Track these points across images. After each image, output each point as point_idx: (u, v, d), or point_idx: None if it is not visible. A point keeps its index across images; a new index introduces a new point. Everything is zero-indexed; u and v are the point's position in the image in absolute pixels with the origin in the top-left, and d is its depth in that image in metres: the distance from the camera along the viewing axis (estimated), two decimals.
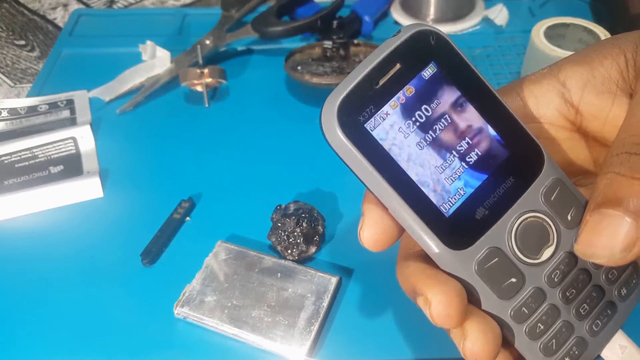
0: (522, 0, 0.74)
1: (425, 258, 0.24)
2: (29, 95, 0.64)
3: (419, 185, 0.22)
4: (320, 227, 0.47)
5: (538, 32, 0.58)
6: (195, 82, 0.61)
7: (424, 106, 0.22)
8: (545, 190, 0.24)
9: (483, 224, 0.23)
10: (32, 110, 0.62)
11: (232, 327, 0.42)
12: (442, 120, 0.22)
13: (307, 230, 0.46)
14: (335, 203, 0.51)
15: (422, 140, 0.22)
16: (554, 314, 0.24)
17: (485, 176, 0.23)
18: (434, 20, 0.72)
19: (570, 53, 0.31)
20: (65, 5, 0.84)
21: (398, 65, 0.22)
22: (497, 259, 0.23)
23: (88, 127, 0.59)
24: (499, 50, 0.67)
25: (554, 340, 0.24)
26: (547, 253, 0.24)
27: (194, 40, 0.67)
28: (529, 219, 0.23)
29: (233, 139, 0.59)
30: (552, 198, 0.24)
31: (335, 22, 0.65)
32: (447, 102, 0.23)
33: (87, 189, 0.53)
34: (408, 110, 0.22)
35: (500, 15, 0.70)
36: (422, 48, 0.22)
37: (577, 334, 0.24)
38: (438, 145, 0.22)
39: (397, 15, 0.72)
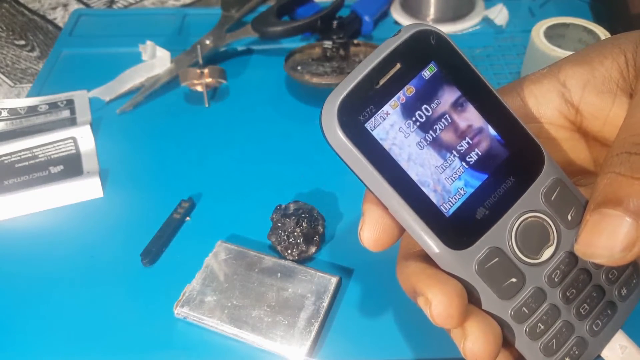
0: (522, 0, 0.74)
1: (426, 258, 0.24)
2: (29, 95, 0.64)
3: (419, 185, 0.22)
4: (320, 227, 0.47)
5: (538, 32, 0.58)
6: (195, 82, 0.61)
7: (424, 106, 0.22)
8: (546, 190, 0.24)
9: (483, 223, 0.23)
10: (32, 110, 0.62)
11: (232, 327, 0.42)
12: (443, 120, 0.22)
13: (307, 230, 0.46)
14: (335, 203, 0.51)
15: (422, 140, 0.22)
16: (554, 314, 0.24)
17: (485, 176, 0.23)
18: (434, 20, 0.72)
19: (570, 53, 0.31)
20: (65, 5, 0.84)
21: (398, 65, 0.22)
22: (497, 258, 0.23)
23: (88, 127, 0.59)
24: (499, 50, 0.67)
25: (554, 340, 0.24)
26: (548, 253, 0.24)
27: (194, 40, 0.67)
28: (529, 219, 0.23)
29: (233, 139, 0.59)
30: (553, 198, 0.24)
31: (335, 22, 0.65)
32: (448, 101, 0.23)
33: (87, 189, 0.53)
34: (408, 110, 0.22)
35: (500, 15, 0.70)
36: (423, 48, 0.22)
37: (578, 334, 0.24)
38: (438, 145, 0.22)
39: (397, 15, 0.72)
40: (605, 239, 0.21)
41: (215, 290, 0.44)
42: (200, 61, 0.65)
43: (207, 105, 0.62)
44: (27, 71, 0.73)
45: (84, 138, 0.58)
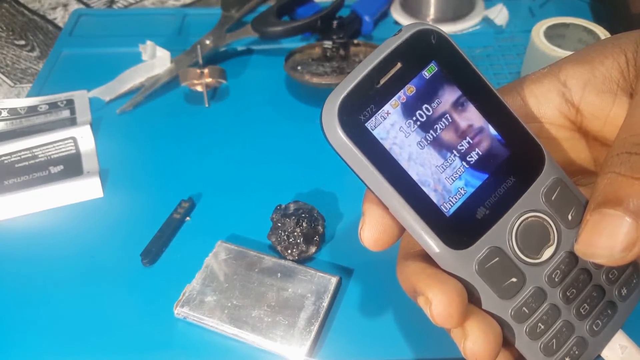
0: (522, 0, 0.74)
1: (426, 258, 0.24)
2: (29, 95, 0.64)
3: (419, 184, 0.22)
4: (320, 227, 0.47)
5: (538, 32, 0.58)
6: (195, 82, 0.61)
7: (425, 105, 0.22)
8: (546, 190, 0.24)
9: (484, 223, 0.23)
10: (32, 110, 0.62)
11: (232, 327, 0.42)
12: (443, 119, 0.22)
13: (307, 230, 0.46)
14: (335, 203, 0.51)
15: (422, 140, 0.22)
16: (555, 313, 0.24)
17: (486, 176, 0.23)
18: (434, 20, 0.72)
19: (570, 53, 0.31)
20: (65, 5, 0.84)
21: (399, 65, 0.22)
22: (497, 258, 0.23)
23: (88, 127, 0.59)
24: (499, 50, 0.67)
25: (554, 340, 0.24)
26: (548, 253, 0.24)
27: (194, 40, 0.67)
28: (529, 219, 0.23)
29: (233, 139, 0.59)
30: (553, 198, 0.24)
31: (335, 22, 0.65)
32: (448, 101, 0.23)
33: (87, 189, 0.53)
34: (409, 110, 0.22)
35: (500, 15, 0.70)
36: (423, 47, 0.22)
37: (578, 334, 0.24)
38: (439, 145, 0.22)
39: (397, 15, 0.72)
40: (605, 239, 0.21)
41: (215, 290, 0.44)
42: (200, 61, 0.65)
43: (207, 105, 0.62)
44: (27, 71, 0.73)
45: (84, 138, 0.58)
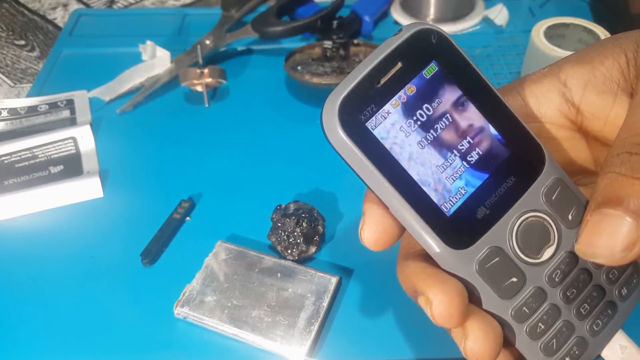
0: (522, 0, 0.74)
1: (426, 257, 0.24)
2: (29, 95, 0.64)
3: (420, 184, 0.22)
4: (320, 227, 0.47)
5: (538, 32, 0.58)
6: (195, 82, 0.61)
7: (425, 105, 0.22)
8: (546, 190, 0.24)
9: (484, 223, 0.23)
10: (32, 110, 0.62)
11: (232, 327, 0.42)
12: (443, 119, 0.22)
13: (307, 230, 0.46)
14: (335, 203, 0.51)
15: (423, 139, 0.22)
16: (555, 313, 0.24)
17: (486, 175, 0.23)
18: (434, 20, 0.72)
19: (570, 53, 0.31)
20: (65, 5, 0.84)
21: (399, 64, 0.22)
22: (498, 258, 0.23)
23: (88, 127, 0.59)
24: (499, 50, 0.67)
25: (554, 340, 0.24)
26: (548, 253, 0.24)
27: (194, 40, 0.67)
28: (529, 219, 0.23)
29: (233, 139, 0.59)
30: (553, 198, 0.24)
31: (335, 22, 0.65)
32: (448, 101, 0.23)
33: (87, 189, 0.53)
34: (409, 109, 0.22)
35: (500, 15, 0.70)
36: (423, 47, 0.22)
37: (578, 334, 0.24)
38: (439, 145, 0.22)
39: (397, 15, 0.72)
40: (605, 239, 0.21)
41: (215, 290, 0.44)
42: (200, 61, 0.65)
43: (207, 105, 0.62)
44: (27, 71, 0.73)
45: (84, 138, 0.58)
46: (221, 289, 0.44)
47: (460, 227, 0.23)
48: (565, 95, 0.26)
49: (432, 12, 0.71)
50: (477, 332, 0.23)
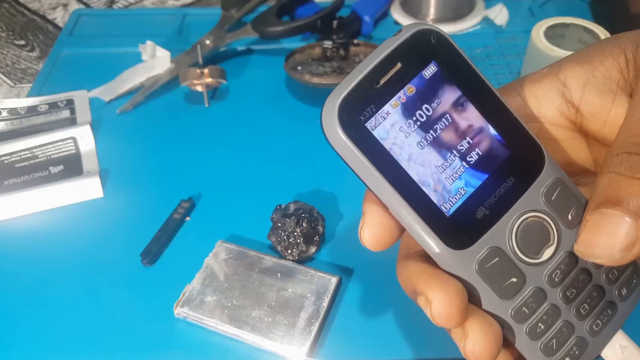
0: (522, 0, 0.74)
1: (426, 258, 0.24)
2: (29, 95, 0.64)
3: (419, 184, 0.22)
4: (320, 227, 0.47)
5: (538, 32, 0.58)
6: (195, 82, 0.61)
7: (425, 105, 0.22)
8: (546, 190, 0.24)
9: (484, 223, 0.23)
10: (32, 110, 0.62)
11: (232, 327, 0.42)
12: (443, 119, 0.22)
13: (307, 230, 0.46)
14: (335, 203, 0.51)
15: (422, 140, 0.22)
16: (555, 313, 0.24)
17: (486, 176, 0.23)
18: (434, 20, 0.72)
19: (570, 53, 0.31)
20: (65, 5, 0.84)
21: (399, 65, 0.22)
22: (497, 258, 0.23)
23: (88, 127, 0.59)
24: (499, 50, 0.67)
25: (554, 340, 0.24)
26: (548, 253, 0.24)
27: (194, 40, 0.67)
28: (529, 219, 0.23)
29: (233, 139, 0.59)
30: (553, 198, 0.24)
31: (335, 22, 0.65)
32: (448, 101, 0.23)
33: (87, 189, 0.53)
34: (409, 110, 0.22)
35: (500, 15, 0.70)
36: (423, 47, 0.22)
37: (578, 334, 0.24)
38: (439, 145, 0.22)
39: (397, 15, 0.72)
40: (605, 239, 0.21)
41: (215, 290, 0.44)
42: (200, 61, 0.65)
43: (207, 105, 0.62)
44: (27, 71, 0.73)
45: (84, 138, 0.58)
46: (221, 289, 0.44)
47: (460, 227, 0.23)
48: (565, 95, 0.26)
49: (432, 12, 0.71)
50: (476, 332, 0.23)
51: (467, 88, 0.23)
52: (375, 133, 0.21)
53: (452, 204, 0.23)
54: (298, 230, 0.46)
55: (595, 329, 0.25)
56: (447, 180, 0.22)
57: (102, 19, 0.76)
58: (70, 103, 0.63)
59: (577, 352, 0.24)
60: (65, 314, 0.44)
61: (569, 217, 0.24)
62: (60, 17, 0.81)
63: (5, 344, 0.43)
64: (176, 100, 0.63)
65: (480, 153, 0.23)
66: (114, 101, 0.63)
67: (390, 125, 0.22)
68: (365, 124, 0.21)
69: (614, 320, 0.25)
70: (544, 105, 0.26)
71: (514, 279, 0.23)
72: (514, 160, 0.23)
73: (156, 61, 0.65)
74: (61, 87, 0.65)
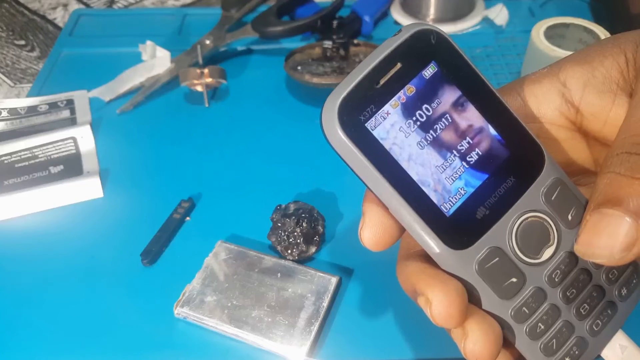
0: (522, 0, 0.74)
1: (426, 258, 0.24)
2: (29, 95, 0.64)
3: (419, 184, 0.22)
4: (320, 227, 0.47)
5: (538, 32, 0.58)
6: (195, 82, 0.61)
7: (425, 105, 0.22)
8: (546, 190, 0.24)
9: (484, 223, 0.23)
10: (32, 110, 0.62)
11: (232, 327, 0.42)
12: (443, 119, 0.22)
13: (307, 230, 0.46)
14: (335, 203, 0.51)
15: (422, 140, 0.22)
16: (555, 313, 0.24)
17: (486, 176, 0.23)
18: (434, 20, 0.72)
19: (570, 53, 0.31)
20: (65, 5, 0.84)
21: (399, 65, 0.22)
22: (497, 258, 0.23)
23: (88, 127, 0.59)
24: (499, 50, 0.67)
25: (554, 340, 0.24)
26: (548, 253, 0.24)
27: (194, 40, 0.67)
28: (529, 219, 0.23)
29: (233, 139, 0.59)
30: (553, 198, 0.24)
31: (335, 22, 0.65)
32: (448, 101, 0.23)
33: (87, 189, 0.53)
34: (409, 110, 0.22)
35: (500, 15, 0.70)
36: (423, 47, 0.22)
37: (578, 334, 0.24)
38: (439, 145, 0.22)
39: (397, 15, 0.72)
40: (605, 239, 0.21)
41: (215, 290, 0.44)
42: (200, 61, 0.65)
43: (207, 105, 0.62)
44: (27, 71, 0.73)
45: (84, 138, 0.58)
46: (221, 289, 0.44)
47: (460, 227, 0.23)
48: (565, 95, 0.26)
49: (432, 12, 0.71)
50: (476, 333, 0.23)
51: (467, 88, 0.23)
52: (375, 133, 0.21)
53: (452, 204, 0.23)
54: (298, 230, 0.46)
55: (595, 329, 0.25)
56: (447, 180, 0.22)
57: (102, 19, 0.76)
58: (70, 103, 0.63)
59: (577, 352, 0.24)
60: (65, 314, 0.44)
61: (569, 217, 0.24)
62: (60, 17, 0.81)
63: (5, 344, 0.43)
64: (176, 100, 0.63)
65: (480, 153, 0.23)
66: (114, 101, 0.63)
67: (390, 125, 0.22)
68: (365, 124, 0.21)
69: (614, 320, 0.25)
70: (543, 105, 0.26)
71: (514, 279, 0.23)
72: (514, 160, 0.23)
73: (156, 61, 0.65)
74: (61, 87, 0.65)
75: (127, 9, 0.83)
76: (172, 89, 0.64)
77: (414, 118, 0.22)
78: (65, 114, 0.62)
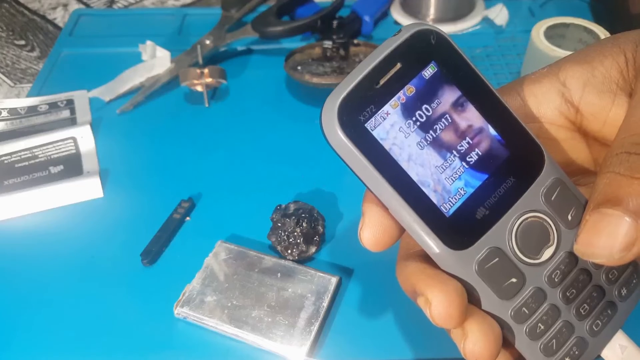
0: (522, 0, 0.74)
1: (426, 258, 0.24)
2: (29, 95, 0.64)
3: (419, 185, 0.22)
4: (320, 227, 0.47)
5: (538, 32, 0.58)
6: (195, 82, 0.61)
7: (425, 106, 0.22)
8: (546, 190, 0.24)
9: (483, 224, 0.23)
10: (32, 110, 0.62)
11: (232, 327, 0.42)
12: (443, 119, 0.22)
13: (307, 230, 0.46)
14: (335, 203, 0.51)
15: (422, 140, 0.22)
16: (555, 314, 0.24)
17: (485, 176, 0.23)
18: (434, 20, 0.72)
19: (570, 53, 0.31)
20: (65, 5, 0.84)
21: (398, 65, 0.22)
22: (497, 259, 0.23)
23: (88, 127, 0.59)
24: (499, 50, 0.67)
25: (554, 341, 0.24)
26: (548, 253, 0.24)
27: (194, 40, 0.67)
28: (529, 219, 0.23)
29: (233, 139, 0.59)
30: (553, 198, 0.24)
31: (335, 22, 0.65)
32: (448, 101, 0.23)
33: (87, 189, 0.53)
34: (408, 110, 0.22)
35: (500, 15, 0.70)
36: (423, 47, 0.22)
37: (578, 334, 0.24)
38: (438, 145, 0.22)
39: (397, 15, 0.72)
40: (604, 239, 0.21)
41: (215, 290, 0.44)
42: (200, 61, 0.65)
43: (207, 105, 0.62)
44: (27, 71, 0.73)
45: (84, 138, 0.58)
46: (221, 289, 0.44)
47: (460, 227, 0.23)
48: (565, 95, 0.26)
49: (432, 12, 0.71)
50: (476, 333, 0.23)
51: (466, 88, 0.23)
52: (375, 133, 0.21)
53: (451, 205, 0.22)
54: (298, 230, 0.46)
55: (595, 329, 0.25)
56: (446, 180, 0.22)
57: (102, 19, 0.76)
58: (70, 103, 0.63)
59: (577, 353, 0.24)
60: (65, 314, 0.44)
61: (569, 217, 0.24)
62: (60, 17, 0.81)
63: (5, 344, 0.43)
64: (176, 100, 0.63)
65: (480, 153, 0.23)
66: (114, 101, 0.63)
67: (390, 126, 0.22)
68: (365, 125, 0.21)
69: (613, 320, 0.25)
70: (543, 105, 0.26)
71: (514, 280, 0.23)
72: (514, 161, 0.23)
73: (156, 61, 0.65)
74: (61, 87, 0.65)
75: (127, 9, 0.83)
76: (172, 89, 0.64)
77: (414, 118, 0.22)
78: (65, 114, 0.62)
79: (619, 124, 0.23)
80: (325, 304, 0.43)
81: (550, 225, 0.24)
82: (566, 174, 0.24)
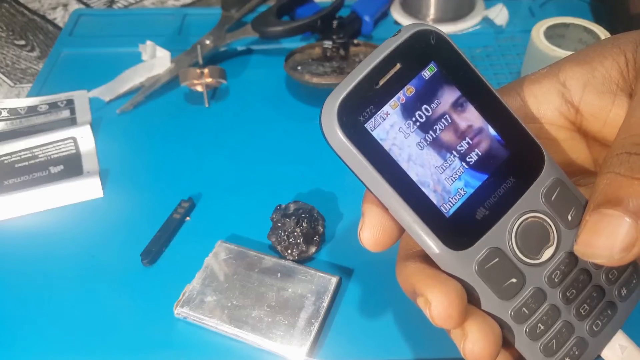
0: (522, 0, 0.74)
1: (425, 258, 0.24)
2: (29, 95, 0.64)
3: (419, 185, 0.22)
4: (320, 227, 0.47)
5: (538, 32, 0.58)
6: (195, 82, 0.61)
7: (424, 106, 0.22)
8: (546, 191, 0.24)
9: (483, 224, 0.23)
10: (32, 110, 0.62)
11: (232, 327, 0.42)
12: (443, 120, 0.22)
13: (307, 230, 0.46)
14: (335, 203, 0.51)
15: (422, 140, 0.22)
16: (554, 314, 0.24)
17: (485, 176, 0.23)
18: (434, 20, 0.72)
19: (570, 53, 0.31)
20: (65, 5, 0.84)
21: (398, 65, 0.22)
22: (497, 259, 0.23)
23: (88, 127, 0.59)
24: (499, 50, 0.67)
25: (554, 341, 0.24)
26: (548, 253, 0.24)
27: (194, 40, 0.67)
28: (529, 219, 0.23)
29: (233, 139, 0.59)
30: (553, 198, 0.24)
31: (335, 22, 0.65)
32: (448, 102, 0.23)
33: (87, 189, 0.53)
34: (408, 110, 0.22)
35: (500, 15, 0.70)
36: (422, 48, 0.22)
37: (578, 334, 0.24)
38: (438, 146, 0.22)
39: (397, 15, 0.72)
40: (604, 239, 0.21)
41: (215, 290, 0.44)
42: (200, 61, 0.65)
43: (207, 105, 0.62)
44: (27, 71, 0.73)
45: (84, 138, 0.58)
46: (221, 289, 0.44)
47: (460, 228, 0.23)
48: (565, 95, 0.26)
49: (432, 12, 0.71)
50: (476, 333, 0.23)
51: (466, 88, 0.23)
52: (374, 134, 0.21)
53: (451, 205, 0.22)
54: (298, 230, 0.46)
55: (595, 329, 0.25)
56: (446, 180, 0.22)
57: (102, 19, 0.76)
58: (70, 103, 0.63)
59: (577, 353, 0.24)
60: (65, 314, 0.44)
61: (569, 217, 0.24)
62: (60, 17, 0.81)
63: (6, 344, 0.43)
64: (176, 100, 0.63)
65: (480, 153, 0.23)
66: (114, 101, 0.63)
67: (390, 126, 0.22)
68: (365, 125, 0.21)
69: (613, 320, 0.25)
70: (543, 105, 0.26)
71: (514, 280, 0.23)
72: (514, 161, 0.23)
73: (156, 61, 0.65)
74: (61, 87, 0.65)
75: (127, 9, 0.83)
76: (172, 89, 0.64)
77: (414, 119, 0.22)
78: (65, 114, 0.62)
79: (619, 125, 0.23)
80: (325, 304, 0.43)
81: (550, 226, 0.24)
82: (566, 174, 0.24)
